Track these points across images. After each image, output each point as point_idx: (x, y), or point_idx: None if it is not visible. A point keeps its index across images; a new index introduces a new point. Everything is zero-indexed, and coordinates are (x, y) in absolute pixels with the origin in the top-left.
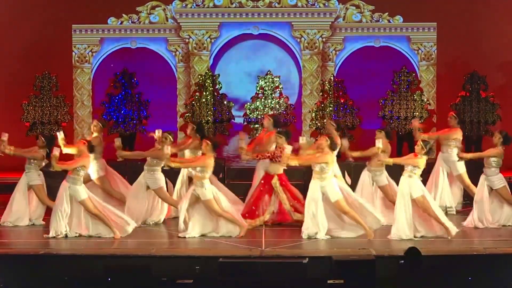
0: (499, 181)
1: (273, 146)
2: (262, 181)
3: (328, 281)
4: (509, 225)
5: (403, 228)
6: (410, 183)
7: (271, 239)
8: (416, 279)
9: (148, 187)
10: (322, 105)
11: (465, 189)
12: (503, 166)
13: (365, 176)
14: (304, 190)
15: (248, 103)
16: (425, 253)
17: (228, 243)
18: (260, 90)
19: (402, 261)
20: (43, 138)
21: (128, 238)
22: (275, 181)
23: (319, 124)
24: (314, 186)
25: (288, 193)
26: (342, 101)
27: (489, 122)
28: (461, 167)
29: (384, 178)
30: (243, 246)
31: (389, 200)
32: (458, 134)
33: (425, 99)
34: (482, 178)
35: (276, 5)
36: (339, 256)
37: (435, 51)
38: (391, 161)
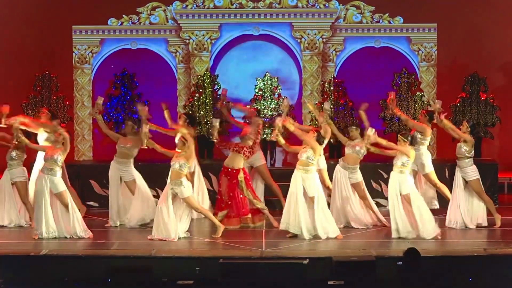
0: (473, 172)
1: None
2: (228, 177)
3: (329, 282)
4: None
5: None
6: (400, 180)
7: (272, 240)
8: (417, 280)
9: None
10: (323, 105)
11: (435, 188)
12: (503, 166)
13: (339, 174)
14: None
15: (248, 106)
16: (425, 254)
17: (228, 244)
18: (259, 92)
19: (400, 262)
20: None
21: (128, 239)
22: (241, 176)
23: (319, 124)
24: (297, 179)
25: (250, 189)
26: (342, 101)
27: (489, 124)
28: (428, 167)
29: (359, 174)
30: (243, 247)
31: (360, 197)
32: (424, 130)
33: (426, 101)
34: (457, 171)
35: (277, 5)
36: (339, 257)
37: (436, 52)
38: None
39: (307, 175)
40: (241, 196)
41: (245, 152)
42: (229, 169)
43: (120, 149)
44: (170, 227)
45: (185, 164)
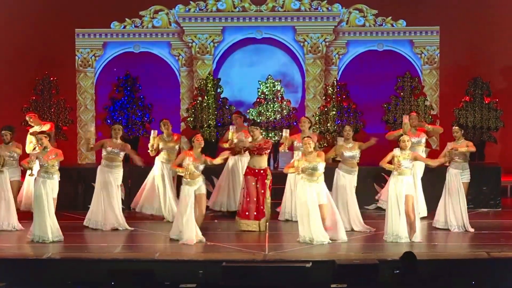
0: (469, 174)
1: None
2: (259, 177)
3: (331, 286)
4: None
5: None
6: (405, 181)
7: (274, 243)
8: (419, 283)
9: None
10: (325, 109)
11: None
12: (506, 170)
13: (343, 179)
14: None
15: (251, 109)
16: (428, 257)
17: (231, 247)
18: (262, 95)
19: (397, 271)
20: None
21: (131, 243)
22: (269, 175)
23: (322, 128)
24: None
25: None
26: (345, 105)
27: (492, 128)
28: (420, 172)
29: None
30: (246, 250)
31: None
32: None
33: (429, 104)
34: (454, 174)
35: (280, 9)
36: (342, 260)
37: (438, 55)
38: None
39: (318, 184)
40: (265, 199)
41: (265, 152)
42: (256, 170)
43: (112, 152)
44: (192, 230)
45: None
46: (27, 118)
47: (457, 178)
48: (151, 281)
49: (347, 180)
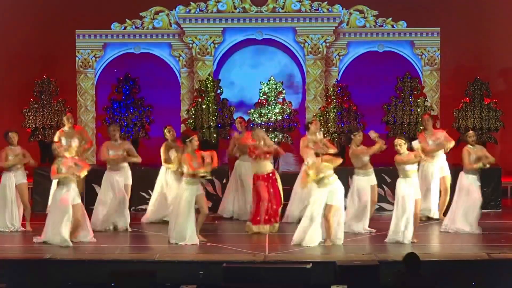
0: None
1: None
2: (270, 181)
3: (332, 287)
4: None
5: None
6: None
7: (275, 244)
8: (420, 284)
9: None
10: (326, 110)
11: None
12: (506, 171)
13: (361, 182)
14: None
15: (252, 109)
16: (429, 258)
17: (232, 248)
18: (264, 96)
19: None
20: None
21: (132, 244)
22: (279, 179)
23: (322, 129)
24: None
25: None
26: (346, 106)
27: (492, 129)
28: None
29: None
30: (246, 251)
31: (373, 201)
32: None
33: (429, 105)
34: (474, 178)
35: (280, 10)
36: (342, 261)
37: (439, 56)
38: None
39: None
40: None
41: (267, 156)
42: (265, 175)
43: (116, 156)
44: (194, 231)
45: None
46: (64, 118)
47: (475, 181)
48: (151, 282)
49: (364, 182)
